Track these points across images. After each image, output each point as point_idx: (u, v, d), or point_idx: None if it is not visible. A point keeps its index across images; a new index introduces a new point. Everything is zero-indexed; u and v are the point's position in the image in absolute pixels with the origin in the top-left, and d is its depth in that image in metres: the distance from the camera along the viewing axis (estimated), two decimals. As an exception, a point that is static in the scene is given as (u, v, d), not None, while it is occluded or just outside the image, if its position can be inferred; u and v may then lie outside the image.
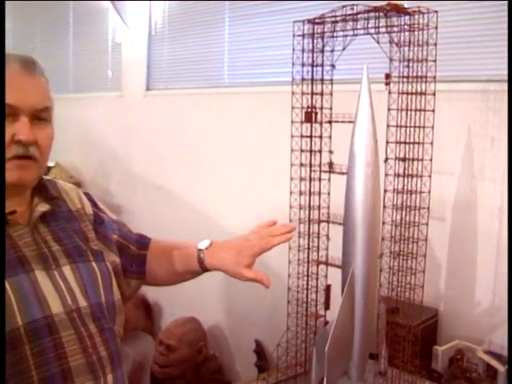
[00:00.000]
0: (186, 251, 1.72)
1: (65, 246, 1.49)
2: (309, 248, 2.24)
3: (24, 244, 1.42)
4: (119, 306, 1.59)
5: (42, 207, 1.50)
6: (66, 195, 1.63)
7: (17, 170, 1.41)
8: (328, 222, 2.22)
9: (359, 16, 1.97)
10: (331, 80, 2.17)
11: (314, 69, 2.16)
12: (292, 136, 2.19)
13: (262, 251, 1.60)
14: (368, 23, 1.96)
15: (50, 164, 4.18)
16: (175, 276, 1.79)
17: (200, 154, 3.77)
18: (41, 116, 1.43)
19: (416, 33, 1.90)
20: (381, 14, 1.92)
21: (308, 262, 2.24)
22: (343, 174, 1.97)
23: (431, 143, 1.96)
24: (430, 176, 1.97)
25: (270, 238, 1.60)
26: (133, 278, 1.76)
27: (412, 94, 1.92)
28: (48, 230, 1.49)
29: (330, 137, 2.19)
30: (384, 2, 1.91)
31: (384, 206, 1.95)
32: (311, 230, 2.23)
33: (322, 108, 2.18)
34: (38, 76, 1.44)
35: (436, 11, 1.87)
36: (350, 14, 1.97)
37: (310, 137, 2.18)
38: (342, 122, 2.08)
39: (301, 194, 2.20)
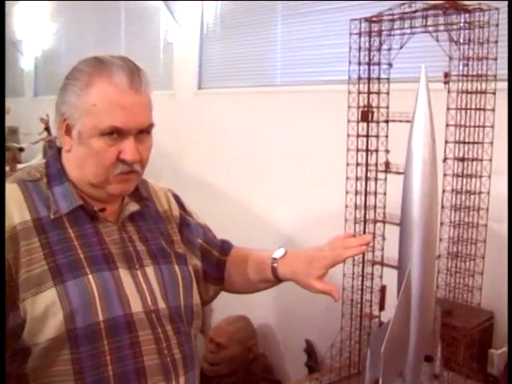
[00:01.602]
0: (262, 260, 1.68)
1: (150, 246, 1.52)
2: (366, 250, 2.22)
3: (111, 241, 1.46)
4: (197, 311, 1.60)
5: (132, 207, 1.54)
6: (155, 195, 1.66)
7: (119, 184, 1.46)
8: (384, 222, 2.20)
9: (417, 14, 1.94)
10: (388, 79, 2.16)
11: (371, 67, 2.14)
12: (348, 135, 2.18)
13: (334, 263, 1.53)
14: (426, 21, 1.93)
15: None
16: (251, 284, 1.76)
17: (251, 153, 3.78)
18: (145, 132, 1.46)
19: (476, 30, 1.86)
20: (439, 11, 1.89)
21: (363, 262, 2.23)
22: (400, 173, 1.95)
23: (491, 143, 1.92)
24: (489, 176, 1.93)
25: (343, 250, 1.53)
26: (212, 283, 1.77)
27: (471, 92, 1.89)
28: (135, 229, 1.53)
29: (387, 136, 2.17)
30: (443, 0, 1.89)
31: (442, 207, 1.92)
32: (367, 230, 2.21)
33: (378, 107, 2.16)
34: (144, 88, 1.43)
35: (497, 8, 1.83)
36: (408, 12, 1.95)
37: (367, 136, 2.16)
38: (399, 121, 2.06)
39: (357, 193, 2.19)
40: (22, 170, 1.51)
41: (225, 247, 1.81)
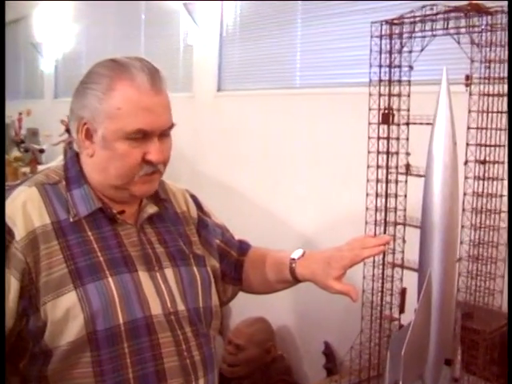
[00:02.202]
0: (280, 260, 1.68)
1: (168, 248, 1.53)
2: (384, 250, 2.22)
3: (130, 243, 1.47)
4: (216, 312, 1.61)
5: (151, 208, 1.55)
6: (173, 196, 1.67)
7: (144, 185, 1.47)
8: (404, 224, 2.19)
9: (439, 16, 1.94)
10: (409, 81, 2.15)
11: (392, 70, 2.14)
12: (369, 137, 2.18)
13: (352, 263, 1.52)
14: (448, 23, 1.93)
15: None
16: (269, 285, 1.76)
17: (270, 155, 3.77)
18: (166, 132, 1.47)
19: (498, 33, 1.86)
20: (461, 14, 1.89)
21: (383, 264, 2.23)
22: (421, 176, 1.95)
23: (512, 145, 1.91)
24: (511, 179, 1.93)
25: (361, 250, 1.52)
26: (230, 283, 1.78)
27: (493, 95, 1.88)
28: (154, 231, 1.54)
29: (407, 139, 2.17)
30: (465, 2, 1.88)
31: (463, 210, 1.91)
32: (387, 233, 2.21)
33: (399, 109, 2.16)
34: (164, 90, 1.45)
35: (520, 10, 1.83)
36: (429, 15, 1.95)
37: (387, 138, 2.16)
38: (420, 123, 2.05)
39: (377, 195, 2.18)
40: (40, 173, 1.51)
41: (243, 247, 1.82)
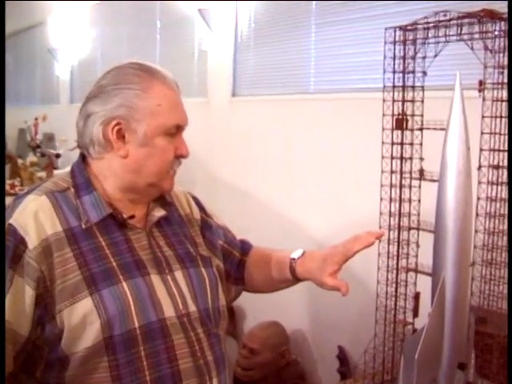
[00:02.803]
0: (282, 260, 1.72)
1: (177, 250, 1.55)
2: (398, 255, 2.23)
3: (140, 247, 1.49)
4: (223, 312, 1.63)
5: (158, 212, 1.57)
6: (176, 199, 1.69)
7: (172, 180, 1.54)
8: (418, 229, 2.20)
9: (452, 22, 1.95)
10: (422, 87, 2.16)
11: (406, 75, 2.15)
12: (383, 143, 2.19)
13: (346, 258, 1.56)
14: (461, 29, 1.94)
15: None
16: (271, 283, 1.80)
17: (285, 161, 3.78)
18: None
19: (511, 39, 1.87)
20: (474, 20, 1.90)
21: (397, 268, 2.23)
22: (434, 181, 1.96)
23: (526, 151, 1.92)
24: (524, 184, 1.93)
25: (353, 244, 1.55)
26: (234, 283, 1.81)
27: (506, 101, 1.88)
28: (161, 235, 1.56)
29: (421, 144, 2.18)
30: (478, 8, 1.89)
31: (477, 214, 1.92)
32: (401, 237, 2.22)
33: (413, 115, 2.16)
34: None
35: (534, 16, 1.83)
36: (443, 21, 1.96)
37: (401, 144, 2.17)
38: (434, 129, 2.06)
39: (391, 200, 2.19)
40: (48, 181, 1.52)
41: (244, 247, 1.85)
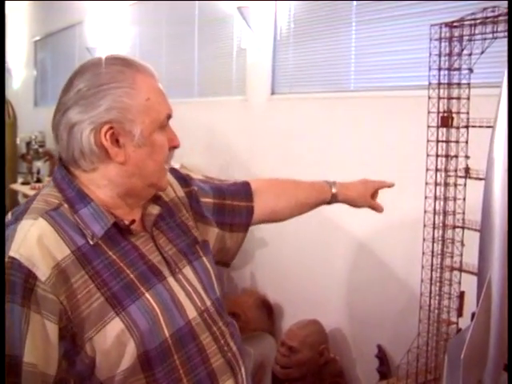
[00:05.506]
0: (314, 184, 1.94)
1: (178, 245, 1.49)
2: (443, 254, 2.21)
3: (148, 251, 1.41)
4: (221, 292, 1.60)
5: (153, 209, 1.48)
6: None
7: (166, 176, 1.49)
8: (463, 227, 2.18)
9: (500, 18, 1.92)
10: (468, 84, 2.13)
11: (451, 73, 2.13)
12: (428, 141, 2.17)
13: (381, 185, 2.04)
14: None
15: (176, 165, 4.29)
16: (297, 207, 1.92)
17: (324, 159, 3.75)
18: None
19: (561, 35, 1.83)
20: (523, 16, 1.87)
21: (441, 267, 2.22)
22: (480, 179, 1.93)
23: None
24: None
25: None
26: (240, 231, 1.76)
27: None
28: (160, 233, 1.47)
29: (467, 142, 2.15)
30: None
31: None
32: (445, 236, 2.20)
33: (458, 112, 2.14)
34: None
35: None
36: (490, 17, 1.93)
37: (447, 142, 2.15)
38: (480, 126, 2.04)
39: (436, 199, 2.18)
40: (36, 201, 1.35)
41: (244, 189, 1.82)
